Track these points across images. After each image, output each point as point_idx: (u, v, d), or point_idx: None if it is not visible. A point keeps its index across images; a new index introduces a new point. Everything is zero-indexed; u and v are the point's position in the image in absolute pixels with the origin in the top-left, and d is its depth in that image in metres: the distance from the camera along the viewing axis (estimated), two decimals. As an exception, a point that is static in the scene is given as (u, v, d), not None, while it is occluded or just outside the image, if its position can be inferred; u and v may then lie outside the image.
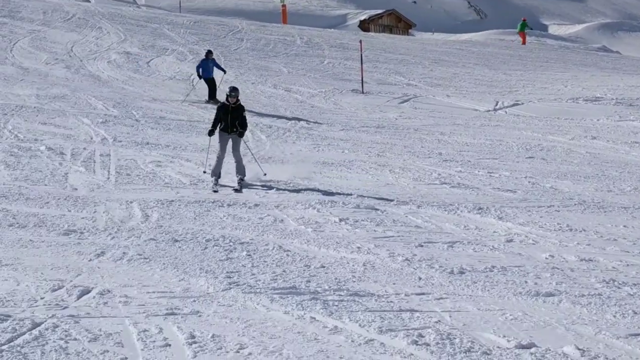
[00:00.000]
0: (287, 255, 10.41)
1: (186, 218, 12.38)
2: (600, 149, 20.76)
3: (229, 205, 13.39)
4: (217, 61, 27.26)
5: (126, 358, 6.86)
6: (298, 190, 14.61)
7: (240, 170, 14.96)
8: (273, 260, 10.12)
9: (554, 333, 7.75)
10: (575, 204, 14.22)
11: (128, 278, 9.12)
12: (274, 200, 13.75)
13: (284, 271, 9.63)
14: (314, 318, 7.95)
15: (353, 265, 9.99)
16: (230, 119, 14.94)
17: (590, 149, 20.67)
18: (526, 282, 9.48)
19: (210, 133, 15.20)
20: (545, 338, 7.55)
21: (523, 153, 19.74)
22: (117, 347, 7.08)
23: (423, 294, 8.89)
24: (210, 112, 23.40)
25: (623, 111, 26.63)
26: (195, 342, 7.21)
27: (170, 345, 7.17)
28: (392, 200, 14.02)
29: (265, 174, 15.18)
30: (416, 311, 8.25)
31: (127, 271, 9.43)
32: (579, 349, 7.23)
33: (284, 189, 14.66)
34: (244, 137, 15.58)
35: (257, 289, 8.87)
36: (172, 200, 13.38)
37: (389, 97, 28.92)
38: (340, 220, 12.48)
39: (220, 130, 15.02)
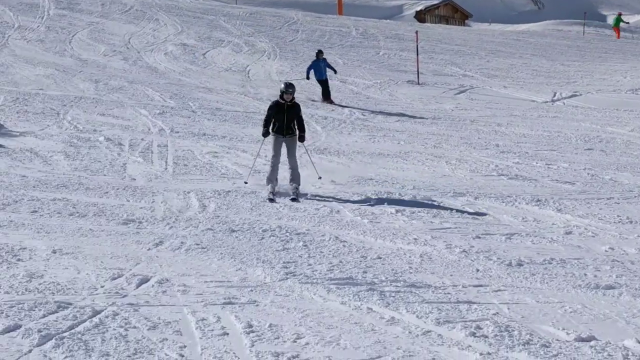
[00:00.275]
0: (344, 246, 10.41)
1: (243, 208, 12.44)
2: (661, 140, 20.42)
3: (285, 196, 13.42)
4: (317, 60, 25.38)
5: (185, 346, 6.92)
6: (354, 182, 14.58)
7: (296, 178, 13.46)
8: (329, 251, 10.13)
9: (614, 326, 7.65)
10: (635, 196, 14.01)
11: (186, 267, 9.20)
12: (330, 191, 13.75)
13: (341, 262, 9.64)
14: (371, 309, 7.94)
15: (410, 257, 9.95)
16: (286, 120, 13.51)
17: (651, 140, 20.35)
18: (585, 274, 9.37)
19: (266, 134, 13.60)
20: (605, 331, 7.46)
21: (582, 145, 19.49)
22: (176, 336, 7.14)
23: (481, 285, 8.84)
24: (267, 104, 23.50)
25: (684, 102, 26.18)
26: (252, 332, 7.24)
27: (228, 334, 7.22)
28: (448, 192, 13.94)
29: (320, 177, 14.15)
30: (474, 303, 8.20)
31: (185, 260, 9.51)
32: (639, 343, 7.14)
33: (340, 181, 14.63)
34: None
35: (313, 279, 8.88)
36: (229, 191, 13.46)
37: (445, 88, 28.75)
38: (397, 211, 12.44)
39: (274, 132, 13.56)
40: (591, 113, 24.66)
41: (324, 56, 25.49)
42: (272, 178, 13.44)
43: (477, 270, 9.46)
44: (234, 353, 6.80)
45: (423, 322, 7.59)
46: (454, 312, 7.89)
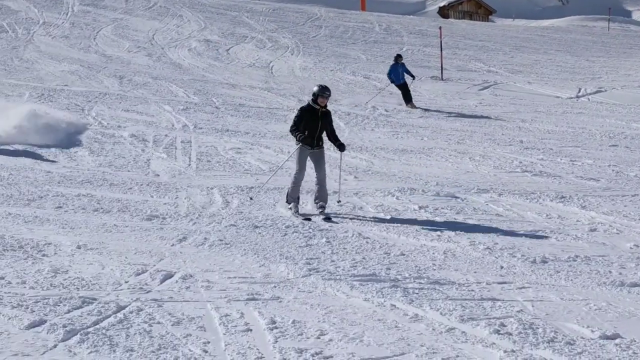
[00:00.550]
0: (367, 242, 10.39)
1: (266, 204, 12.45)
2: (686, 137, 20.26)
3: (307, 192, 13.40)
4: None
5: (208, 342, 6.93)
6: (377, 178, 14.57)
7: (323, 195, 11.89)
8: (352, 247, 10.12)
9: (639, 324, 7.59)
10: (661, 193, 13.91)
11: (209, 263, 9.22)
12: (353, 188, 13.73)
13: (364, 258, 9.62)
14: (394, 305, 7.91)
15: (433, 253, 9.93)
16: (320, 129, 11.73)
17: (677, 137, 20.19)
18: (610, 272, 9.30)
19: (304, 139, 11.65)
20: (630, 329, 7.39)
21: (606, 141, 19.38)
22: (200, 331, 7.15)
23: (505, 282, 8.79)
24: (290, 99, 23.52)
25: None
26: (276, 328, 7.24)
27: (251, 330, 7.21)
28: (472, 188, 13.89)
29: (340, 202, 12.35)
30: (498, 300, 8.16)
31: (209, 256, 9.53)
32: (665, 341, 7.07)
33: (362, 177, 14.62)
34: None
35: (337, 275, 8.87)
36: (252, 187, 13.47)
37: (469, 84, 28.67)
38: (420, 207, 12.41)
39: (303, 143, 11.78)
40: (616, 109, 24.51)
41: (402, 61, 24.65)
42: (295, 196, 11.94)
43: (501, 267, 9.42)
44: (257, 349, 6.80)
45: (447, 319, 7.56)
46: (478, 309, 7.86)
